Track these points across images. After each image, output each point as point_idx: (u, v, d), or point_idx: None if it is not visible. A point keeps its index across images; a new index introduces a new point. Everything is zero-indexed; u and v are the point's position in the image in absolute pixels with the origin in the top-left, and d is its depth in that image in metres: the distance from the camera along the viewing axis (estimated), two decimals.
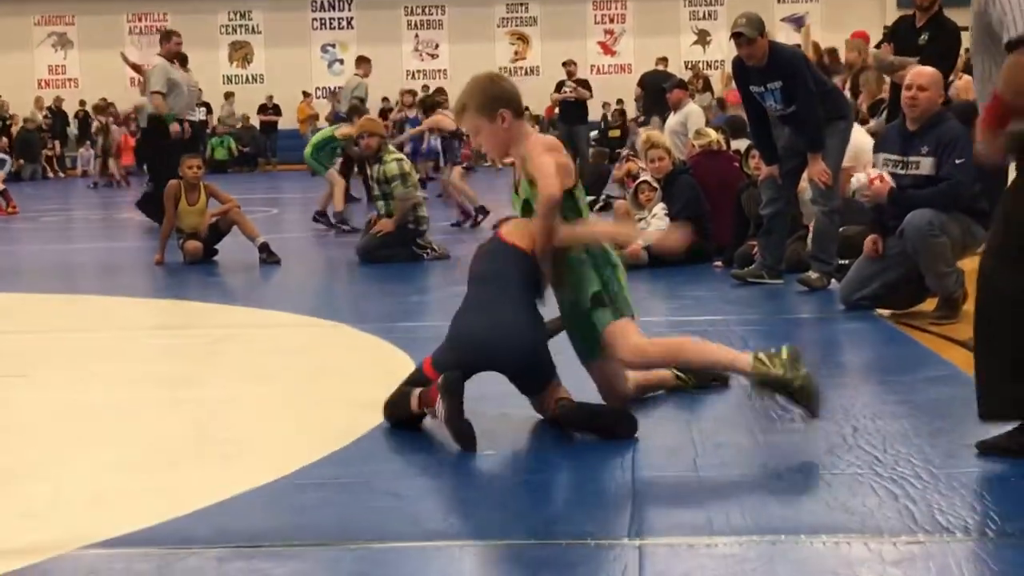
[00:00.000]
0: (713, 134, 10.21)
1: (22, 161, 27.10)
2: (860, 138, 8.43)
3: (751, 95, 7.79)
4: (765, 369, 4.23)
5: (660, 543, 3.21)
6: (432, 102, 15.06)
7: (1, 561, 3.19)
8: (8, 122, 28.13)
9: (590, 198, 14.68)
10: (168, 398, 5.16)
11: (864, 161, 7.95)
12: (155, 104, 13.23)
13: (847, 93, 13.15)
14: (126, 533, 3.39)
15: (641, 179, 9.65)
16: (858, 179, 7.10)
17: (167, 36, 13.75)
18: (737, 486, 3.69)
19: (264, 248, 10.12)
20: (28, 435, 4.62)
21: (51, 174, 29.20)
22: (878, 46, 10.03)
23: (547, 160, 4.39)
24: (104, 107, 27.23)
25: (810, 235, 7.90)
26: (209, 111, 26.72)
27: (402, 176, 10.08)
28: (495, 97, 4.51)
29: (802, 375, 4.21)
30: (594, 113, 20.52)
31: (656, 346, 4.51)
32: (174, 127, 13.31)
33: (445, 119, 13.78)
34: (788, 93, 7.57)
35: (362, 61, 16.79)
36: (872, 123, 10.21)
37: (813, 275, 7.57)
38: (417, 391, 4.38)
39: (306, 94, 29.90)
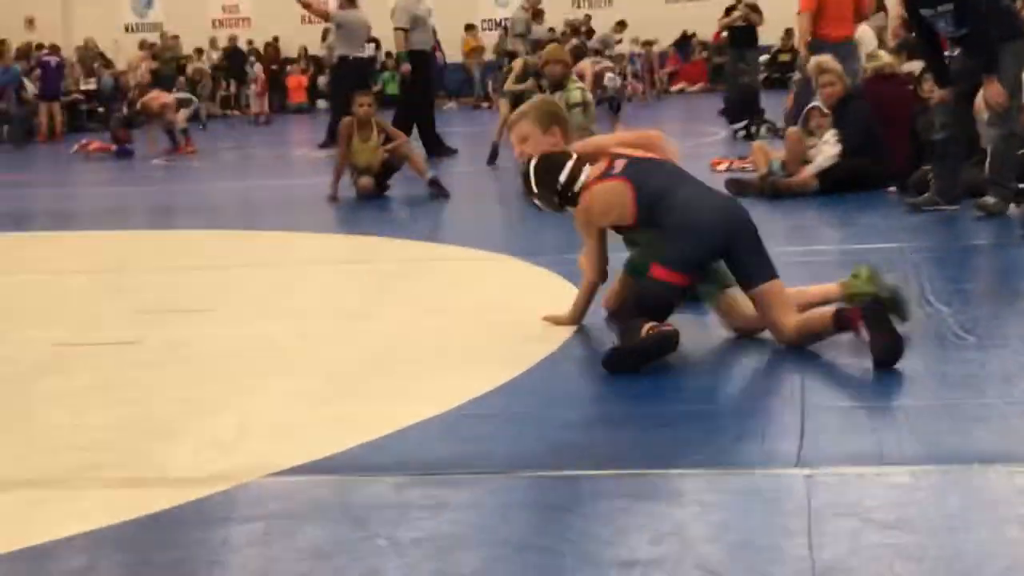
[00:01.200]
0: (886, 57, 9.97)
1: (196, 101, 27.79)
2: None
3: (922, 18, 7.60)
4: (854, 290, 4.62)
5: (829, 473, 3.22)
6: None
7: (190, 489, 3.35)
8: (183, 62, 28.83)
9: (740, 124, 14.49)
10: (345, 330, 5.32)
11: None
12: (397, 42, 14.06)
13: None
14: (308, 462, 3.53)
15: (812, 104, 9.49)
16: None
17: None
18: (909, 414, 3.67)
19: (434, 183, 10.26)
20: (214, 368, 4.82)
21: (229, 113, 29.90)
22: None
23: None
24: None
25: (988, 159, 7.68)
26: (378, 47, 26.97)
27: (584, 105, 10.04)
28: (552, 113, 5.15)
29: (889, 287, 4.63)
30: (767, 37, 20.06)
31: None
32: (405, 67, 13.94)
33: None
34: (960, 15, 7.35)
35: None
36: None
37: (991, 200, 7.37)
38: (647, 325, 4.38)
39: (470, 27, 29.94)
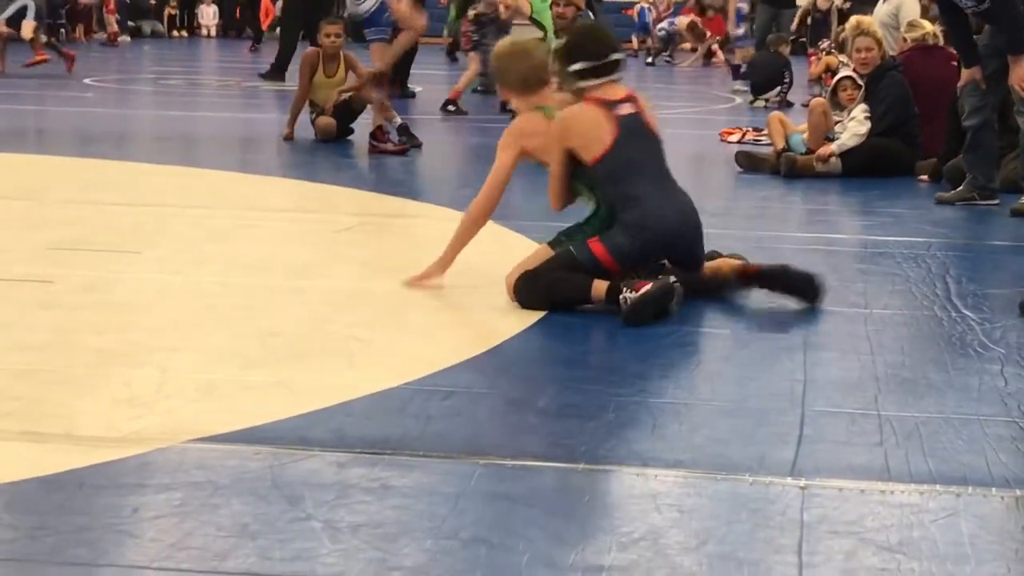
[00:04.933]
0: (928, 26, 10.01)
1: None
2: None
3: None
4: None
5: (827, 485, 3.25)
6: None
7: (100, 449, 3.36)
8: None
9: (765, 96, 14.57)
10: (290, 287, 5.33)
11: None
12: None
13: None
14: (239, 429, 3.54)
15: (843, 74, 9.53)
16: None
17: None
18: (921, 427, 3.70)
19: (404, 130, 10.24)
20: (138, 316, 4.82)
21: (175, 34, 29.81)
22: None
23: (500, 162, 5.40)
24: None
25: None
26: None
27: None
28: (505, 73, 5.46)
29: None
30: None
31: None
32: None
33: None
34: None
35: None
36: None
37: None
38: (602, 283, 4.90)
39: None
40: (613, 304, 4.83)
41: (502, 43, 5.68)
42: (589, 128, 5.11)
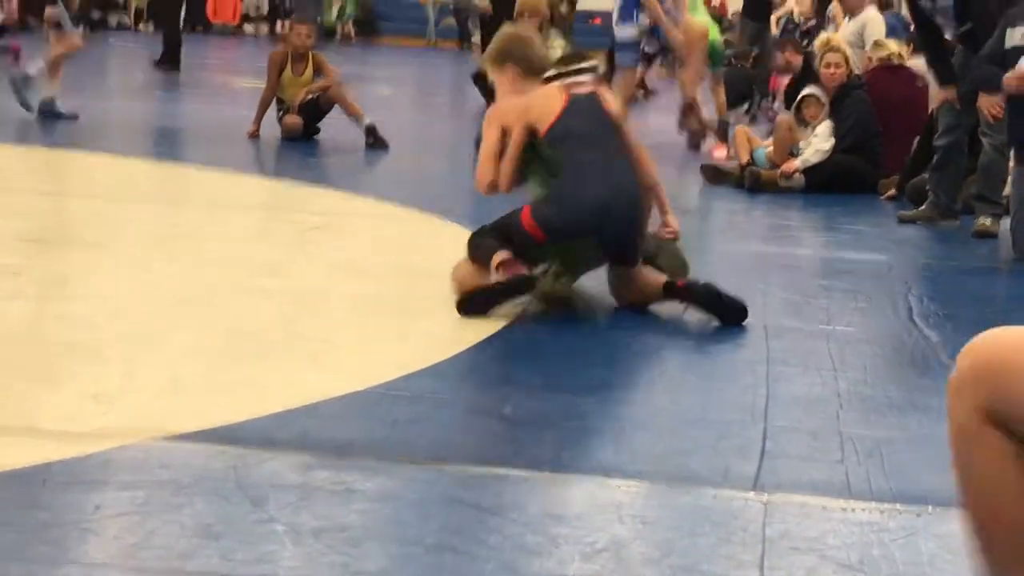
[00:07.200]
0: (893, 46, 10.06)
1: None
2: None
3: (920, 7, 7.56)
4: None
5: (789, 500, 3.26)
6: None
7: (63, 445, 3.33)
8: None
9: (738, 108, 14.57)
10: (255, 286, 5.30)
11: None
12: None
13: None
14: (203, 428, 3.52)
15: (808, 91, 9.57)
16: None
17: None
18: (883, 446, 3.71)
19: (371, 131, 10.22)
20: (103, 310, 4.79)
21: (141, 27, 29.63)
22: None
23: (488, 139, 5.24)
24: None
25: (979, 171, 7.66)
26: None
27: None
28: (504, 51, 5.41)
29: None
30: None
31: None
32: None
33: None
34: (961, 8, 7.26)
35: None
36: None
37: (987, 221, 7.39)
38: (501, 254, 4.94)
39: None
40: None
41: (506, 28, 5.79)
42: (544, 101, 5.21)
